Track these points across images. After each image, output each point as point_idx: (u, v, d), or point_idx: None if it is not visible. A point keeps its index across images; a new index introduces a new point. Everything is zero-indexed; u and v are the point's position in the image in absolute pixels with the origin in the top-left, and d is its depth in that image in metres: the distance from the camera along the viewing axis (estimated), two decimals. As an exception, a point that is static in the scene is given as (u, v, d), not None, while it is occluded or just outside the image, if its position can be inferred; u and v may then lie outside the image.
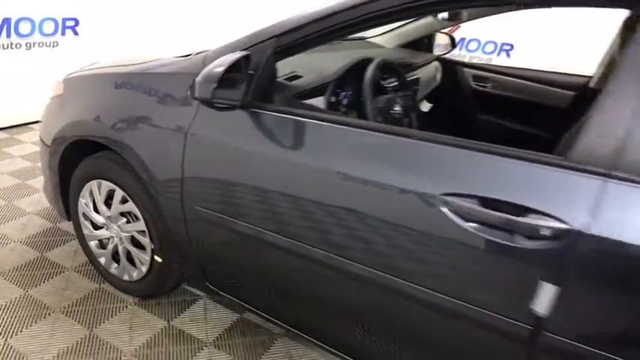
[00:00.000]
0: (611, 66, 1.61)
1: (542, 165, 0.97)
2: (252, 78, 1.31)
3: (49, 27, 3.39)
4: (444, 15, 2.12)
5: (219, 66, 1.18)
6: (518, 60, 4.49)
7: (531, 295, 0.97)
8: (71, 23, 3.50)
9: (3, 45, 3.20)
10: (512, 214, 0.96)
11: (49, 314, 1.73)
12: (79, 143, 1.74)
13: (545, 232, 0.93)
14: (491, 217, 0.98)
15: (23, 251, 2.08)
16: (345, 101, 1.64)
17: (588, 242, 0.90)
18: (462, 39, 4.74)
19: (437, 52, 2.59)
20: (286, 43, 1.30)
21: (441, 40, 2.59)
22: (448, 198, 1.02)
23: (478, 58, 4.68)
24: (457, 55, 4.75)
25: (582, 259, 0.92)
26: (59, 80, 1.90)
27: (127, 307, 1.81)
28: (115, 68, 1.74)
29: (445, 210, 1.02)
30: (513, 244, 0.97)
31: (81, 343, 1.62)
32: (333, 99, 1.60)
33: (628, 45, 0.95)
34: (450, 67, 2.53)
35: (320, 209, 1.20)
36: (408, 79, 2.03)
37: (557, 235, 0.92)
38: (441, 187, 1.04)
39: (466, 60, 4.69)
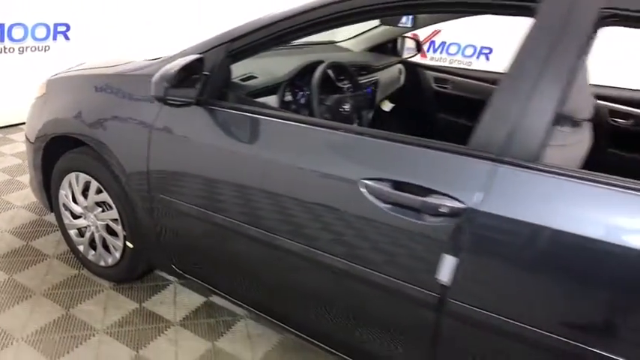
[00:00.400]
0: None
1: (446, 152, 1.12)
2: (208, 78, 1.46)
3: (41, 32, 3.56)
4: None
5: (172, 67, 1.33)
6: (496, 63, 4.64)
7: (436, 267, 1.11)
8: (62, 28, 3.67)
9: (-3, 49, 3.37)
10: (419, 195, 1.11)
11: (31, 296, 1.88)
12: (59, 139, 1.89)
13: (445, 210, 1.08)
14: (402, 198, 1.13)
15: (10, 240, 2.23)
16: (297, 100, 1.79)
17: (480, 218, 1.05)
18: (443, 43, 4.90)
19: (406, 55, 2.74)
20: (238, 47, 1.46)
21: (409, 44, 2.74)
22: (367, 182, 1.17)
23: (458, 61, 4.84)
24: (438, 58, 4.92)
25: (476, 233, 1.06)
26: (43, 81, 2.05)
27: (102, 290, 1.96)
28: (93, 70, 1.89)
29: (365, 192, 1.17)
30: (420, 222, 1.11)
31: (58, 321, 1.77)
32: (287, 98, 1.75)
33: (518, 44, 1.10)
34: (414, 69, 2.68)
35: (264, 196, 1.35)
36: (367, 80, 2.18)
37: (455, 212, 1.07)
38: (361, 173, 1.18)
39: (447, 63, 4.86)
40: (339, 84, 1.94)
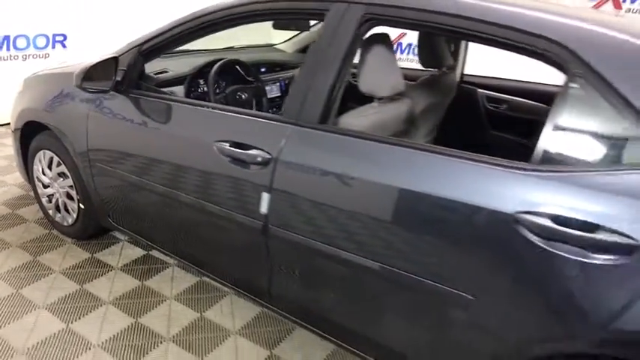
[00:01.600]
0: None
1: (264, 120, 1.58)
2: (126, 73, 1.93)
3: (41, 41, 4.15)
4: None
5: (88, 64, 1.81)
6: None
7: (259, 201, 1.55)
8: (60, 38, 4.25)
9: (3, 57, 3.96)
10: (244, 149, 1.55)
11: (8, 248, 2.40)
12: (31, 125, 2.40)
13: (260, 160, 1.52)
14: (236, 153, 1.57)
15: (0, 209, 2.77)
16: (198, 89, 2.27)
17: (281, 165, 1.48)
18: (410, 44, 5.28)
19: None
20: (146, 48, 1.93)
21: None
22: (218, 144, 1.62)
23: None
24: (405, 59, 5.30)
25: (280, 176, 1.49)
26: (23, 79, 2.58)
27: (65, 244, 2.46)
28: (56, 70, 2.40)
29: (216, 151, 1.62)
30: (247, 170, 1.55)
31: (25, 265, 2.27)
32: (191, 88, 2.23)
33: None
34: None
35: (163, 160, 1.81)
36: (280, 76, 2.66)
37: (266, 161, 1.50)
38: (214, 137, 1.63)
39: (414, 64, 5.23)
40: (247, 77, 2.40)
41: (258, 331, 1.94)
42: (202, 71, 2.26)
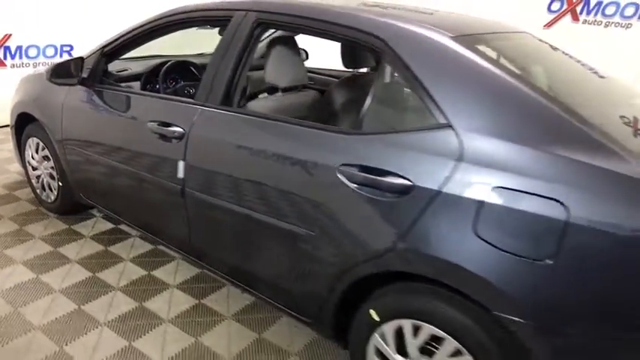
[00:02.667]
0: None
1: (182, 103, 1.98)
2: (91, 70, 2.37)
3: (50, 51, 4.69)
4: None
5: (56, 63, 2.26)
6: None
7: (177, 168, 1.93)
8: (67, 48, 4.79)
9: (16, 64, 4.52)
10: (166, 127, 1.95)
11: (0, 219, 2.85)
12: (23, 117, 2.87)
13: (177, 135, 1.91)
14: (162, 130, 1.97)
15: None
16: (152, 84, 2.69)
17: (192, 137, 1.87)
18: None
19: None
20: (108, 49, 2.37)
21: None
22: (150, 123, 2.02)
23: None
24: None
25: (190, 146, 1.88)
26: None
27: (48, 218, 2.90)
28: (43, 70, 2.87)
29: (148, 129, 2.01)
30: (168, 143, 1.94)
31: (12, 232, 2.71)
32: (149, 85, 2.65)
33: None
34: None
35: (118, 140, 2.23)
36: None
37: (181, 136, 1.90)
38: (147, 118, 2.04)
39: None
40: (200, 75, 2.82)
41: (249, 318, 2.12)
42: (158, 70, 2.68)
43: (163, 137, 1.97)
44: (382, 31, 1.52)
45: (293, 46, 2.10)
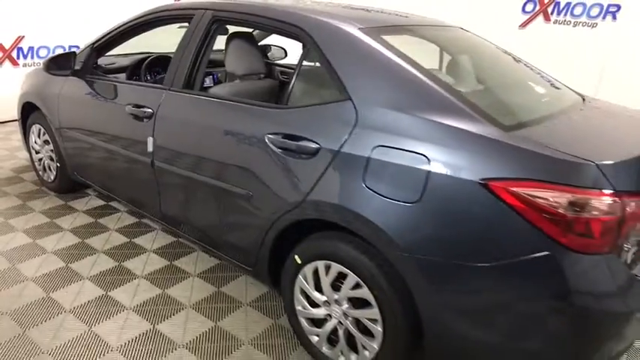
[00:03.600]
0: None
1: (153, 88, 2.30)
2: (83, 63, 2.73)
3: (59, 52, 5.10)
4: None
5: (52, 56, 2.62)
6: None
7: (147, 143, 2.27)
8: (75, 49, 5.19)
9: (28, 64, 4.95)
10: (139, 108, 2.29)
11: (6, 195, 3.23)
12: (27, 106, 3.25)
13: (147, 114, 2.25)
14: (135, 111, 2.31)
15: (9, 173, 3.63)
16: (137, 75, 3.04)
17: (159, 117, 2.21)
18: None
19: (277, 58, 3.88)
20: (97, 45, 2.73)
21: (275, 51, 3.88)
22: (126, 106, 2.36)
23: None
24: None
25: (158, 124, 2.22)
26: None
27: (48, 196, 3.28)
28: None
29: (127, 111, 2.35)
30: (140, 122, 2.28)
31: (15, 206, 3.09)
32: (136, 77, 3.01)
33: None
34: (269, 66, 3.81)
35: (104, 123, 2.58)
36: (214, 70, 3.41)
37: (150, 115, 2.23)
38: (125, 101, 2.38)
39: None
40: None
41: (265, 305, 2.26)
42: (142, 63, 3.04)
43: (137, 117, 2.31)
44: (304, 23, 1.84)
45: (250, 40, 2.43)
